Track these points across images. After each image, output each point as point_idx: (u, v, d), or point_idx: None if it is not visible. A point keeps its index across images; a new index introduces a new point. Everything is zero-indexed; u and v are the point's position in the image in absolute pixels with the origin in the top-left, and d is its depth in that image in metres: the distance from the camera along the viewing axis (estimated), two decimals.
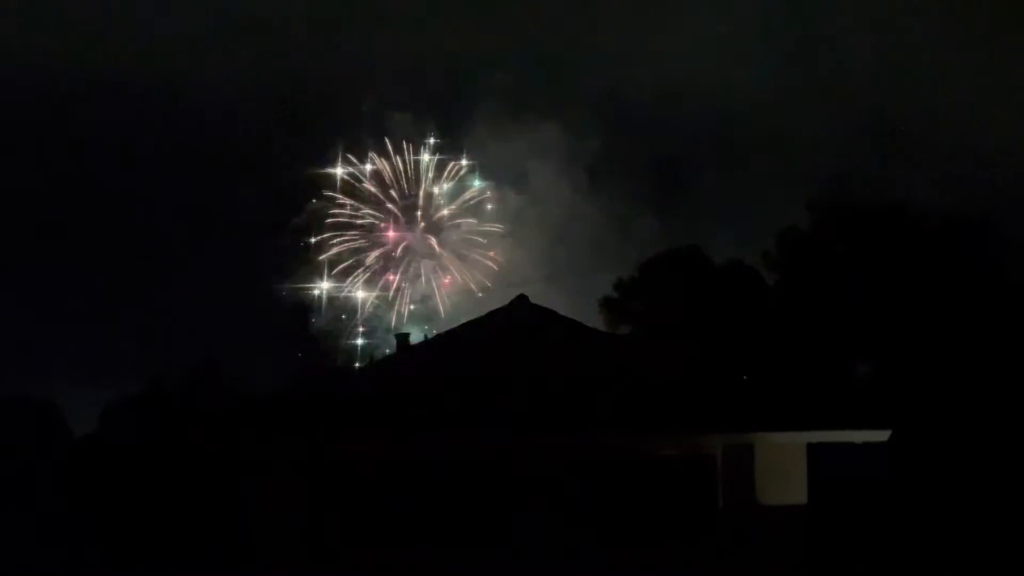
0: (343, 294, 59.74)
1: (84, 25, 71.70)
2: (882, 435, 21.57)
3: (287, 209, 60.21)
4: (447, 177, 61.44)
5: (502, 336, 24.41)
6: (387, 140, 60.68)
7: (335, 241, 59.84)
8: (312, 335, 59.89)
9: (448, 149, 61.43)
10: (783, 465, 21.14)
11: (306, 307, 60.35)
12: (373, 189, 60.71)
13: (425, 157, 60.78)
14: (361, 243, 60.43)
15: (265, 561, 20.99)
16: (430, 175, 60.95)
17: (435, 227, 61.64)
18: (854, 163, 60.49)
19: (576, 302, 45.08)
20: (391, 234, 60.92)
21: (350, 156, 60.44)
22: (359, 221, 60.34)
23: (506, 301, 26.68)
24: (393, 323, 59.74)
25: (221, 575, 24.69)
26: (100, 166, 70.60)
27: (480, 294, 59.25)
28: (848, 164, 61.33)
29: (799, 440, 21.23)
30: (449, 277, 61.54)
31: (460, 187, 61.75)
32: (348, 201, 60.15)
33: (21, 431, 37.54)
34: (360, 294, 59.90)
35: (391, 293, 60.46)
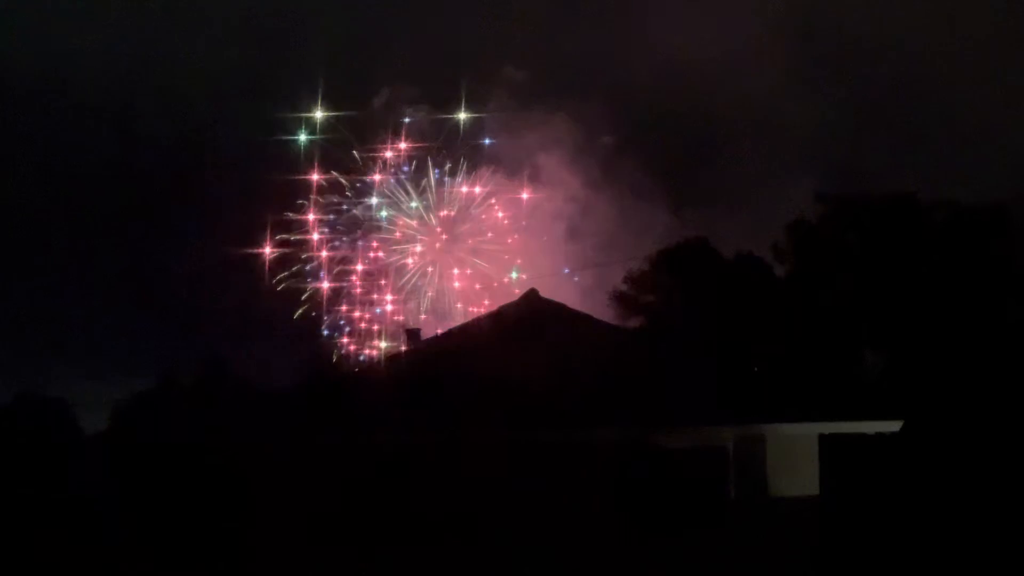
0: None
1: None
2: (893, 426, 21.59)
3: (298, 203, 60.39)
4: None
5: (513, 330, 24.44)
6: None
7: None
8: (321, 332, 60.06)
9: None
10: (794, 456, 21.16)
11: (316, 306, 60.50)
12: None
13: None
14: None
15: (276, 553, 21.06)
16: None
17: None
18: (863, 154, 60.31)
19: (587, 295, 44.99)
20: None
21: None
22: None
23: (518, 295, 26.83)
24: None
25: (234, 570, 24.72)
26: (108, 163, 70.74)
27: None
28: (858, 155, 61.16)
29: (810, 431, 21.26)
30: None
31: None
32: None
33: (32, 429, 37.64)
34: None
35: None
